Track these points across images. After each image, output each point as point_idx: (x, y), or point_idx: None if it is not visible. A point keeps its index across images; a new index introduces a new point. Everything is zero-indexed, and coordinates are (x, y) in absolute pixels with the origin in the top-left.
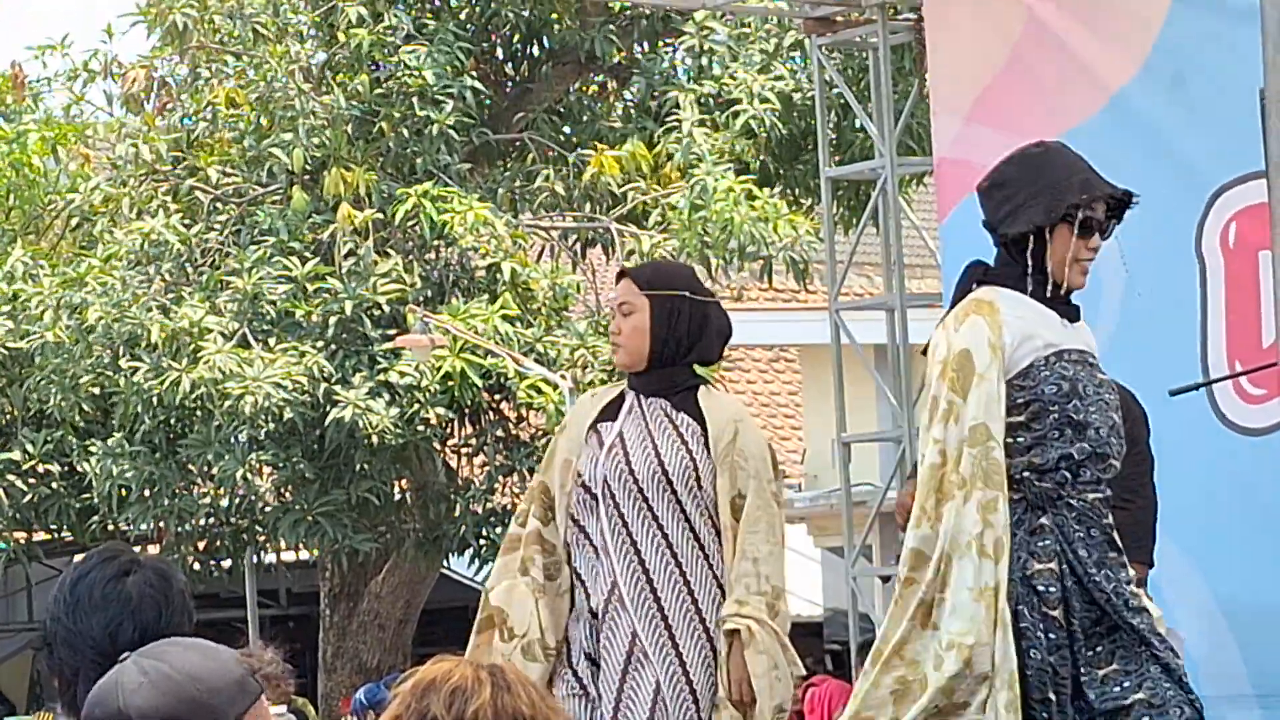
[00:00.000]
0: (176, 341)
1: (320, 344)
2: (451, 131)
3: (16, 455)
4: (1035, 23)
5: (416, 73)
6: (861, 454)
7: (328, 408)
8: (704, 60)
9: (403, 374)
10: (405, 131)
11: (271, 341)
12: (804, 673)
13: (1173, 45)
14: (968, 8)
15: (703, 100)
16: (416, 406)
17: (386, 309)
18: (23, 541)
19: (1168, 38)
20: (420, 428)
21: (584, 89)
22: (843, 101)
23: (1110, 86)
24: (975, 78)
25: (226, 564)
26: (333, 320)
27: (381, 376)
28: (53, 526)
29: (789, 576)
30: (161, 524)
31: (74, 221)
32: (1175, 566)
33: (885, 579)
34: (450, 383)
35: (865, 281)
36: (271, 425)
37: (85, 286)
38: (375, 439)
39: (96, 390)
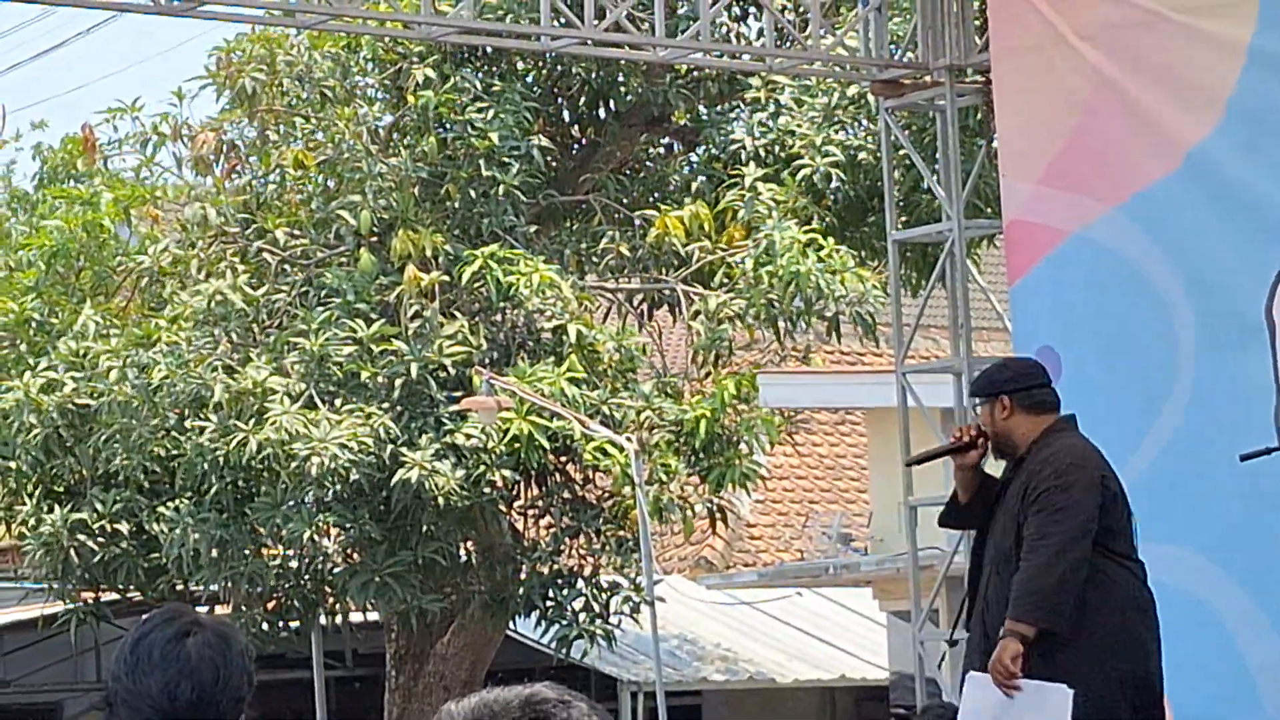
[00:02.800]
0: (240, 402)
1: (386, 405)
2: (518, 192)
3: (86, 515)
4: (1104, 84)
5: (483, 134)
6: (928, 518)
7: (394, 469)
8: (769, 109)
9: (469, 436)
10: (472, 193)
11: (338, 403)
12: None
13: (1248, 104)
14: (1036, 71)
15: (764, 152)
16: (482, 468)
17: (452, 371)
18: (91, 601)
19: (1243, 96)
20: (486, 489)
21: (650, 149)
22: (909, 161)
23: (1183, 145)
24: (1045, 141)
25: (296, 625)
26: (398, 382)
27: (448, 438)
28: (121, 586)
29: (854, 639)
30: (230, 584)
31: (143, 283)
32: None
33: (952, 643)
34: (516, 445)
35: (932, 344)
36: (338, 486)
37: (154, 346)
38: (441, 500)
39: (160, 451)
